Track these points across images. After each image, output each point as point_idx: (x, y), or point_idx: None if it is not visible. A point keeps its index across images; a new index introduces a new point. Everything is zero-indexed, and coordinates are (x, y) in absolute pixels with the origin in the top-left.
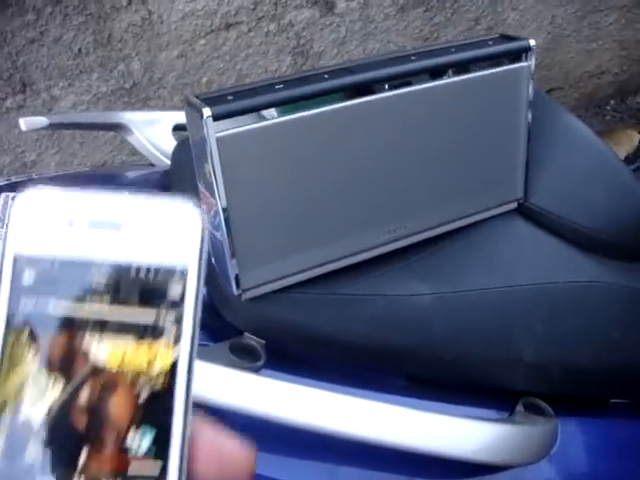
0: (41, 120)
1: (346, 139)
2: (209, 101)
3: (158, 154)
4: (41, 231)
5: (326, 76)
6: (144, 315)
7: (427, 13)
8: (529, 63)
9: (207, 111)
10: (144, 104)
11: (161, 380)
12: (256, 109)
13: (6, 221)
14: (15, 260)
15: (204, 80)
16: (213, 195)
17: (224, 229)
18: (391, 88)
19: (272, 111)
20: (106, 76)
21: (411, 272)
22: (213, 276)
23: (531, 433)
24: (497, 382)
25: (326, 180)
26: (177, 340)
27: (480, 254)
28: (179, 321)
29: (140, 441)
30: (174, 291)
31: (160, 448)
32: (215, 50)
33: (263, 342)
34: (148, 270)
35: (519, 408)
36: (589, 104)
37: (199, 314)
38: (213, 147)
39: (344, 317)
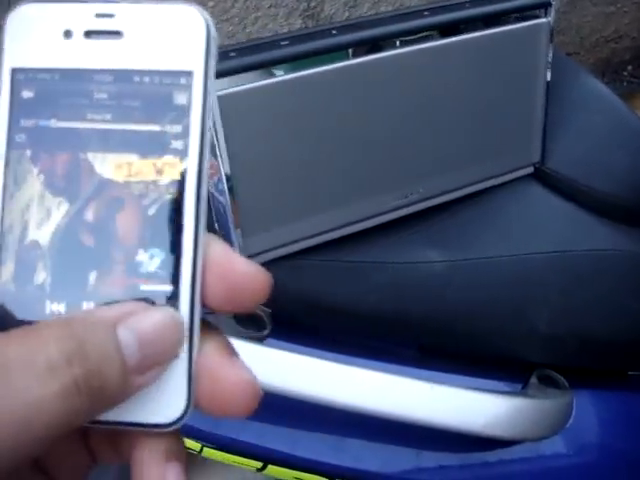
0: None
1: (354, 99)
2: None
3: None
4: (38, 44)
5: (334, 32)
6: (150, 126)
7: None
8: (548, 19)
9: None
10: None
11: (170, 194)
12: (258, 66)
13: (2, 36)
14: (13, 74)
15: None
16: (216, 158)
17: (227, 193)
18: (402, 45)
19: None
20: None
21: (423, 239)
22: None
23: (545, 406)
24: (511, 353)
25: (334, 142)
26: (185, 151)
27: (494, 220)
28: (186, 131)
29: (151, 261)
30: (180, 99)
31: (172, 268)
32: (224, 13)
33: (269, 311)
34: (151, 77)
35: (533, 380)
36: (606, 69)
37: (208, 124)
38: (214, 106)
39: (353, 285)
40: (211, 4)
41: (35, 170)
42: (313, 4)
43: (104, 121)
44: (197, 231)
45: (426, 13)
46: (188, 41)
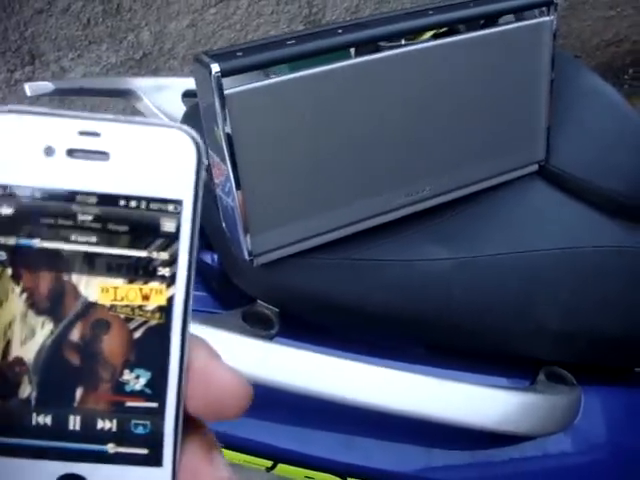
0: (46, 85)
1: (360, 97)
2: (218, 57)
3: (167, 121)
4: (17, 159)
5: (339, 31)
6: (136, 252)
7: None
8: (552, 18)
9: (216, 67)
10: (154, 75)
11: (156, 319)
12: (266, 65)
13: None
14: None
15: None
16: (223, 157)
17: (234, 190)
18: (406, 44)
19: (284, 69)
20: (116, 47)
21: (430, 236)
22: (224, 242)
23: (553, 402)
24: (518, 351)
25: (340, 140)
26: (172, 278)
27: (501, 218)
28: (174, 258)
29: (137, 380)
30: (168, 227)
31: (157, 387)
32: (226, 19)
33: (277, 310)
34: (139, 203)
35: (541, 377)
36: (607, 73)
37: (195, 251)
38: (222, 105)
39: (360, 283)
40: (213, 11)
41: (17, 289)
42: (314, 10)
43: (88, 244)
44: (182, 353)
45: (431, 12)
46: (178, 167)
